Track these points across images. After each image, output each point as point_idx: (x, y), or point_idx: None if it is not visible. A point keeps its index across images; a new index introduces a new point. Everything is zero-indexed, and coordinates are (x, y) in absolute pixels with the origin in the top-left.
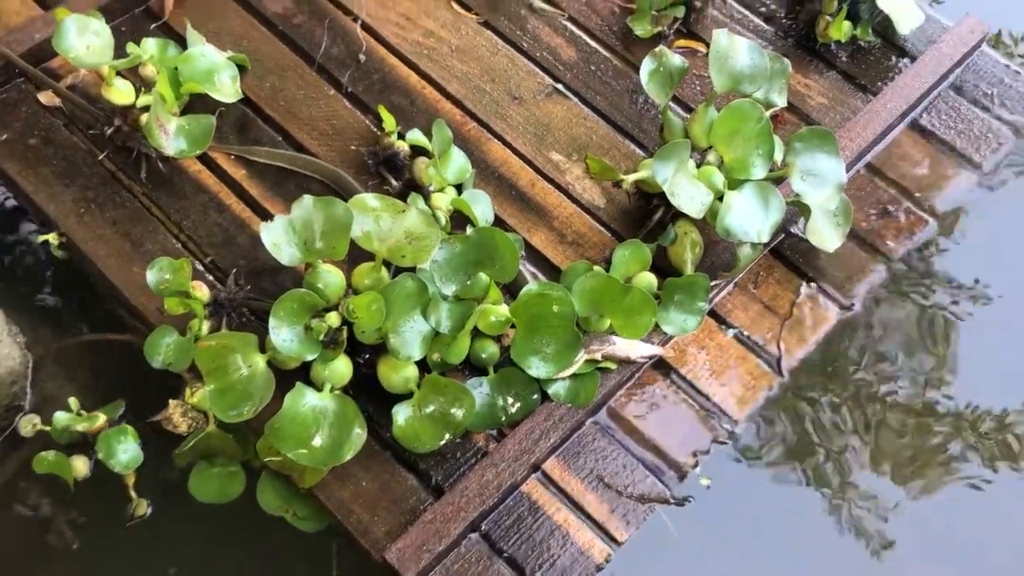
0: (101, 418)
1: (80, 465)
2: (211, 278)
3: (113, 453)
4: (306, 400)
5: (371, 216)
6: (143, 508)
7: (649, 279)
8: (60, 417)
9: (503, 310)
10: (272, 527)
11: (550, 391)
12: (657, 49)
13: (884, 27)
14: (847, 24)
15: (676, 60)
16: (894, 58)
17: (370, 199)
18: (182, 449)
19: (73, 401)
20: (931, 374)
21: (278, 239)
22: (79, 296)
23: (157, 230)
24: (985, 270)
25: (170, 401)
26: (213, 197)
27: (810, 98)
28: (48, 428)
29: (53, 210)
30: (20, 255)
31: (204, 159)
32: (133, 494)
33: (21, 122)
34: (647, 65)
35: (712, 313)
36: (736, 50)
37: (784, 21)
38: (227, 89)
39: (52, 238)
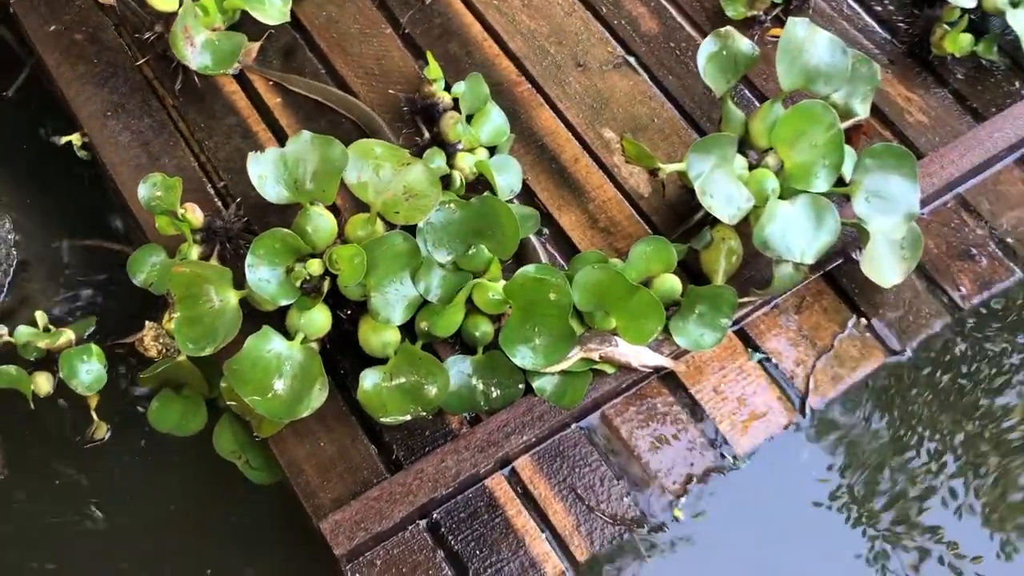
0: (65, 335)
1: (43, 382)
2: (218, 203)
3: (75, 373)
4: (271, 346)
5: (371, 164)
6: (102, 431)
7: (671, 283)
8: (22, 331)
9: (502, 287)
10: (228, 472)
11: (535, 385)
12: (723, 30)
13: (1014, 47)
14: (966, 37)
15: (744, 45)
16: (1018, 83)
17: (376, 145)
18: (148, 373)
19: (40, 315)
20: (977, 449)
21: (265, 172)
22: (89, 202)
23: (177, 145)
24: None
25: (147, 323)
26: (242, 121)
27: (909, 113)
28: (13, 340)
29: (81, 109)
30: (37, 152)
31: (242, 80)
32: (94, 416)
33: (72, 16)
34: (707, 46)
35: (741, 333)
36: (814, 43)
37: (900, 24)
38: (274, 10)
39: (75, 139)
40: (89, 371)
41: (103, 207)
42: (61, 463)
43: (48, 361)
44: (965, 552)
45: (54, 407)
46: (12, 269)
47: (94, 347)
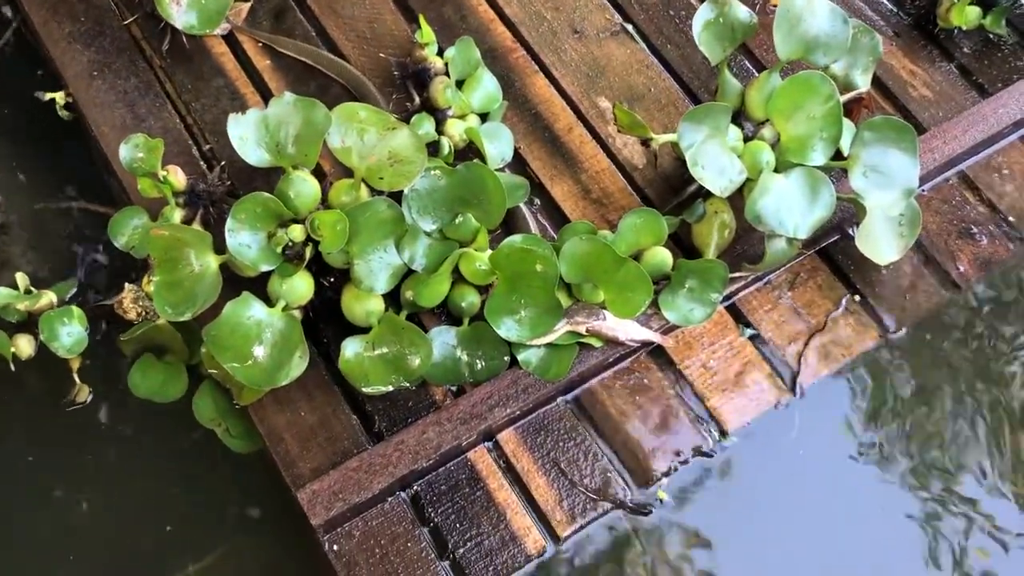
0: (45, 297)
1: (24, 344)
2: (203, 166)
3: (56, 335)
4: (251, 312)
5: (356, 128)
6: (84, 394)
7: (662, 256)
8: (2, 293)
9: (488, 257)
10: (208, 439)
11: (520, 357)
12: None
13: (1023, 21)
14: (974, 10)
15: (742, 13)
16: None
17: (360, 109)
18: (127, 336)
19: (21, 277)
20: (972, 431)
21: (246, 134)
22: (73, 163)
23: (163, 107)
24: None
25: (126, 285)
26: (230, 83)
27: (913, 87)
28: None
29: (66, 68)
30: (21, 111)
31: (230, 42)
32: (76, 379)
33: None
34: (703, 13)
35: (731, 308)
36: (813, 12)
37: None
38: None
39: (59, 97)
40: (70, 334)
41: (87, 168)
42: (42, 426)
43: (29, 323)
44: (958, 537)
45: (37, 370)
46: None
47: (75, 309)
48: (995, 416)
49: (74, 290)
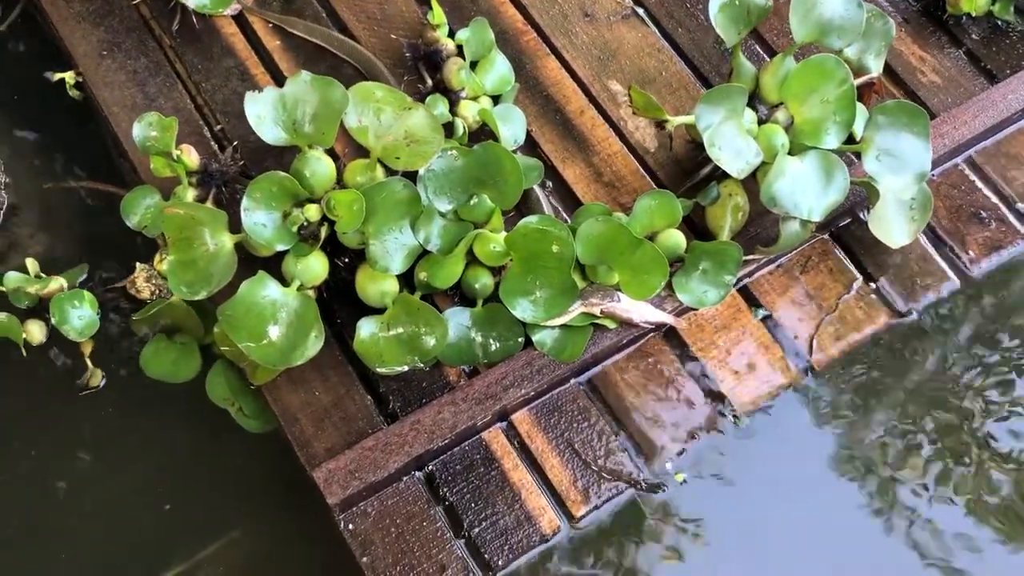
0: (56, 282)
1: (35, 330)
2: (214, 147)
3: (67, 319)
4: (266, 292)
5: (372, 107)
6: (97, 379)
7: (676, 238)
8: (11, 278)
9: (503, 239)
10: (222, 419)
11: (535, 338)
12: None
13: None
14: None
15: None
16: None
17: (377, 88)
18: (141, 315)
19: (31, 262)
20: (982, 415)
21: (263, 113)
22: (83, 143)
23: (174, 87)
24: None
25: (137, 264)
26: (240, 63)
27: (922, 73)
28: (3, 287)
29: (75, 48)
30: (30, 91)
31: (241, 22)
32: (89, 363)
33: None
34: None
35: (743, 290)
36: None
37: None
38: None
39: (69, 77)
40: (81, 317)
41: (97, 148)
42: (55, 411)
43: (40, 309)
44: (956, 527)
45: (48, 355)
46: (2, 212)
47: (85, 293)
48: (1007, 394)
49: (84, 275)
